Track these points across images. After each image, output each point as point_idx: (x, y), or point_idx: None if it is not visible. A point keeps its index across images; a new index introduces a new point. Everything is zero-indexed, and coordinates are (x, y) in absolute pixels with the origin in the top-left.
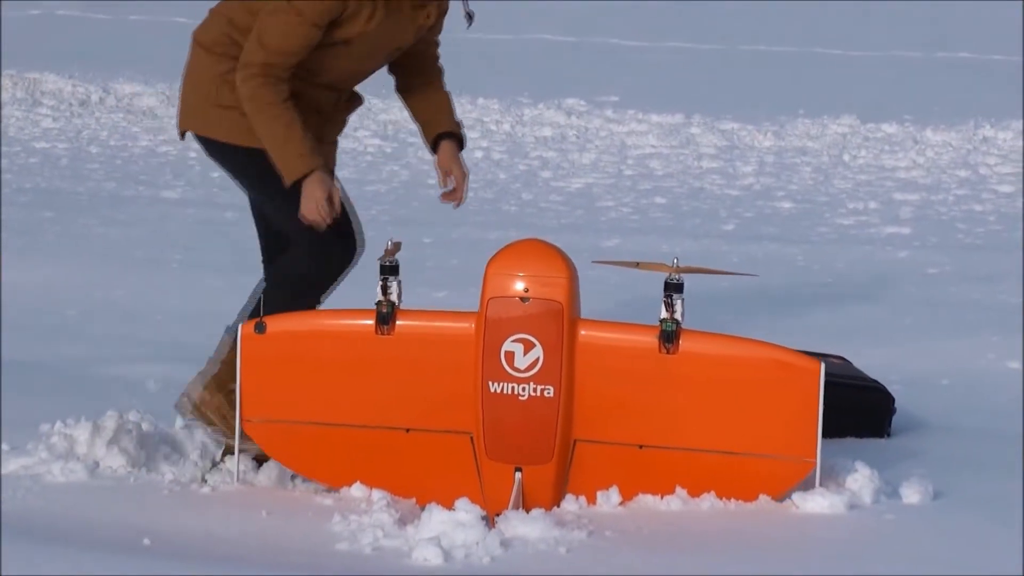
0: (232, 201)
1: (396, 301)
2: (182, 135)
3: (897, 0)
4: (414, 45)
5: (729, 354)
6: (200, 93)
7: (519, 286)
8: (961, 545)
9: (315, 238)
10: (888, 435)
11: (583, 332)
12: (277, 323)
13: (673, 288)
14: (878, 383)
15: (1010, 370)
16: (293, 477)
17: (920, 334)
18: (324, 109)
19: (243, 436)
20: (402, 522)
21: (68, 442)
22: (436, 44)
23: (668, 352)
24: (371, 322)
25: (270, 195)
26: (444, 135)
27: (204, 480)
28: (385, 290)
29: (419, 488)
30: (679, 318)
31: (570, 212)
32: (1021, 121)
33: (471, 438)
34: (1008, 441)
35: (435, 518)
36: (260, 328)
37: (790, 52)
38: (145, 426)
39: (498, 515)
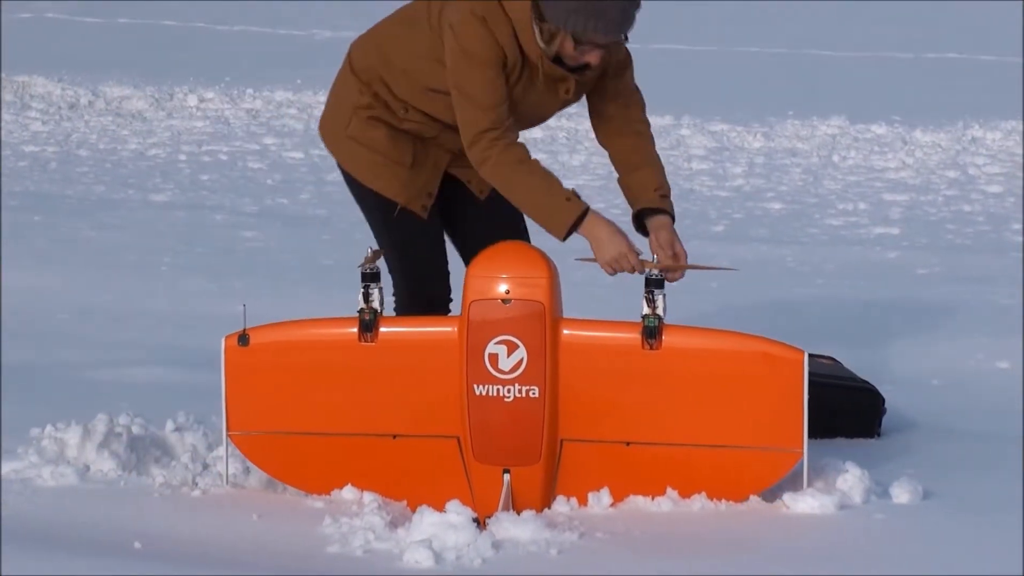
0: (221, 204)
1: (378, 308)
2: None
3: (886, 1)
4: (605, 100)
5: (712, 347)
6: (337, 115)
7: (500, 288)
8: (951, 545)
9: (407, 281)
10: (878, 435)
11: (566, 331)
12: (260, 335)
13: (654, 284)
14: (868, 383)
15: (1000, 370)
16: None
17: (910, 335)
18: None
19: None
20: (393, 524)
21: (58, 446)
22: (630, 92)
23: (651, 348)
24: (354, 330)
25: (375, 230)
26: (651, 210)
27: (194, 483)
28: (367, 297)
29: (408, 493)
30: (661, 314)
31: None
32: (1010, 121)
33: (458, 441)
34: (998, 441)
35: (426, 520)
36: (243, 340)
37: (779, 53)
38: (135, 429)
39: (489, 517)
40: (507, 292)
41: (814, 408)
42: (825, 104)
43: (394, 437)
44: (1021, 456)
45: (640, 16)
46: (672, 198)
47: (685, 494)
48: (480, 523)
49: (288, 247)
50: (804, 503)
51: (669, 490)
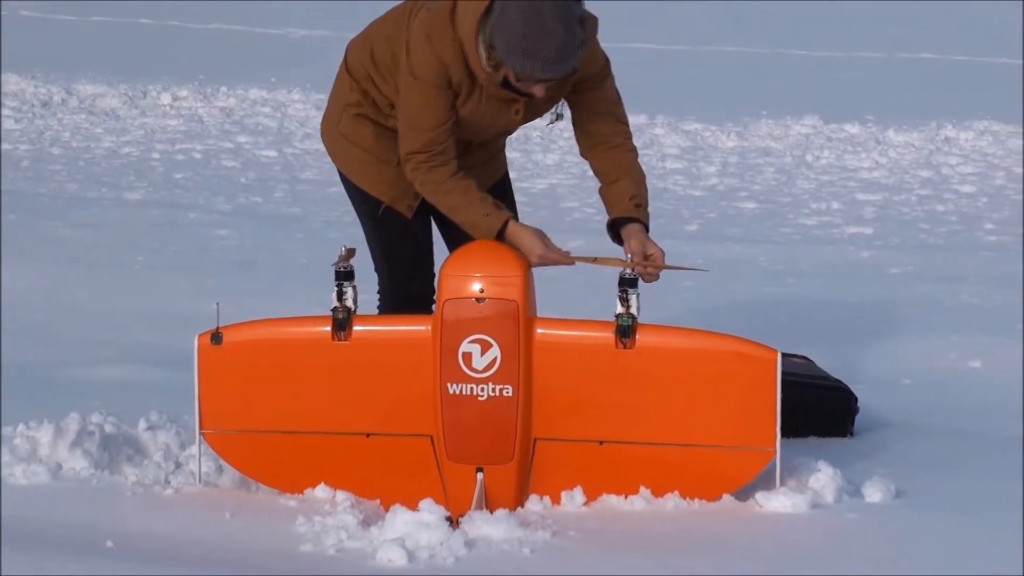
0: (195, 202)
1: (352, 307)
2: None
3: (859, 1)
4: (583, 113)
5: (686, 347)
6: (332, 112)
7: (474, 287)
8: (923, 544)
9: (392, 280)
10: (851, 434)
11: (539, 330)
12: (233, 333)
13: (627, 283)
14: (841, 383)
15: (972, 370)
16: None
17: (882, 334)
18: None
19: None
20: (366, 523)
21: (31, 444)
22: (608, 105)
23: (625, 347)
24: (327, 329)
25: (363, 226)
26: (624, 220)
27: (167, 482)
28: (340, 296)
29: (381, 492)
30: (635, 313)
31: (534, 213)
32: (982, 121)
33: (431, 440)
34: (970, 440)
35: (399, 519)
36: (216, 339)
37: (753, 53)
38: (108, 428)
39: (462, 516)
40: (481, 291)
41: (787, 407)
42: (799, 104)
43: (367, 436)
44: (993, 455)
45: (615, 16)
46: (646, 197)
47: (658, 493)
48: (453, 522)
49: (262, 245)
50: (777, 502)
51: (642, 489)
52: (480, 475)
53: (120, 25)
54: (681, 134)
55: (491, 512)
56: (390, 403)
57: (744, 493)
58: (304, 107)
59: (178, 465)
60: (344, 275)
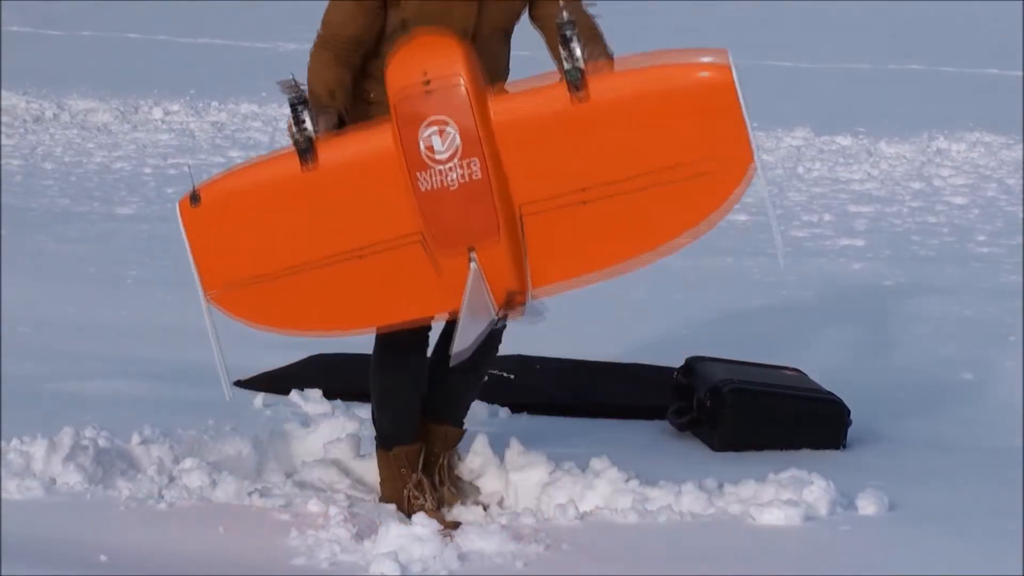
0: None
1: (311, 132)
2: None
3: (848, 1)
4: (541, 20)
5: (641, 89)
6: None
7: (419, 74)
8: (916, 556)
9: None
10: (843, 447)
11: (492, 102)
12: (210, 191)
13: (567, 27)
14: (833, 395)
15: (964, 382)
16: (250, 492)
17: (875, 346)
18: None
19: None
20: (359, 537)
21: (24, 459)
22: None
23: (580, 100)
24: (296, 161)
25: None
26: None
27: (161, 496)
28: (299, 122)
29: (385, 315)
30: (580, 57)
31: None
32: (974, 133)
33: (423, 238)
34: (963, 452)
35: (392, 532)
36: (195, 200)
37: (743, 65)
38: (101, 442)
39: (455, 529)
40: (425, 73)
41: (780, 420)
42: (790, 116)
43: (361, 257)
44: (986, 467)
45: (604, 28)
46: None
47: (651, 245)
48: (447, 535)
49: None
50: (770, 515)
51: (633, 500)
52: (474, 264)
53: (110, 40)
54: None
55: (495, 299)
56: (374, 215)
57: (737, 506)
58: None
59: (171, 479)
60: (299, 101)
